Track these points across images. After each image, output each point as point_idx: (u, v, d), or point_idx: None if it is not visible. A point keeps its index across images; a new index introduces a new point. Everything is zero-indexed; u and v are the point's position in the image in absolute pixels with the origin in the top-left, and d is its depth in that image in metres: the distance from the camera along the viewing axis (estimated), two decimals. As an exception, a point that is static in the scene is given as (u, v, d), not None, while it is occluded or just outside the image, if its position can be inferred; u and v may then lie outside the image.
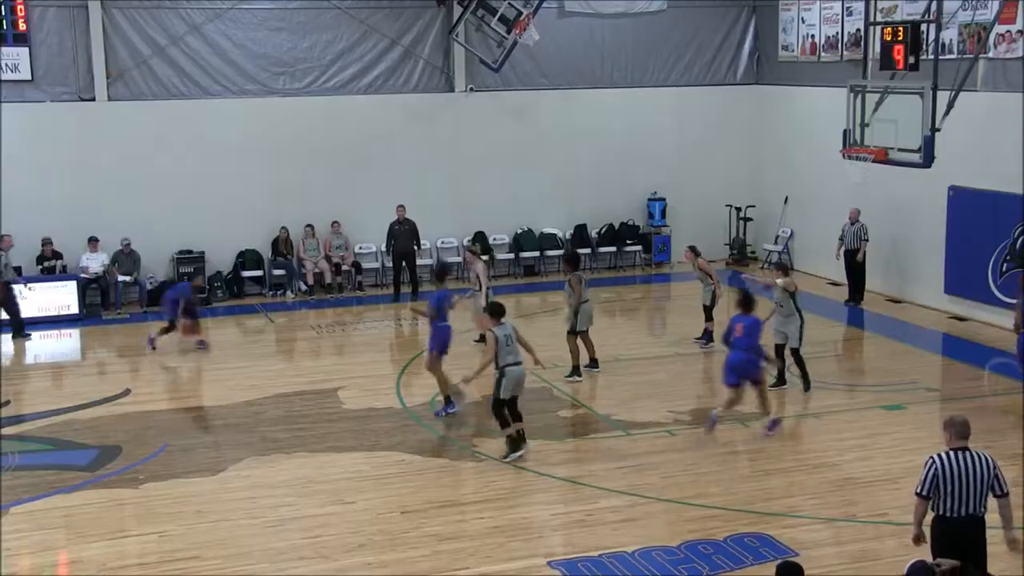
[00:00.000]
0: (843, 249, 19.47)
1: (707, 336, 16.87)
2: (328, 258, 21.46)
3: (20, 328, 18.42)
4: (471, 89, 22.34)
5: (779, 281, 14.57)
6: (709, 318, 16.82)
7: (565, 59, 22.74)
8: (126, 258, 20.36)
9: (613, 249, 23.33)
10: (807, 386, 14.66)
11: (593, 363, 15.67)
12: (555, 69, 22.71)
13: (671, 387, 15.21)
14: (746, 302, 13.19)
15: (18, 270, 19.21)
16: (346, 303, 20.64)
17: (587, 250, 23.15)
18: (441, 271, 15.20)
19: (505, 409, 12.40)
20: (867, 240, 19.20)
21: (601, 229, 23.36)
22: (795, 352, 14.63)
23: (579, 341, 15.48)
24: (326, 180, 21.53)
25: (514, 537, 10.56)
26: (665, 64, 23.49)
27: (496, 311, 12.51)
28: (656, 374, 15.80)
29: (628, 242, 23.38)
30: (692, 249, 17.03)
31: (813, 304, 18.39)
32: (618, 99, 23.05)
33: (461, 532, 10.69)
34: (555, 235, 23.06)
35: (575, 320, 15.41)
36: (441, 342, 13.99)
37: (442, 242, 22.37)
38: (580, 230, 23.24)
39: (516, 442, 12.51)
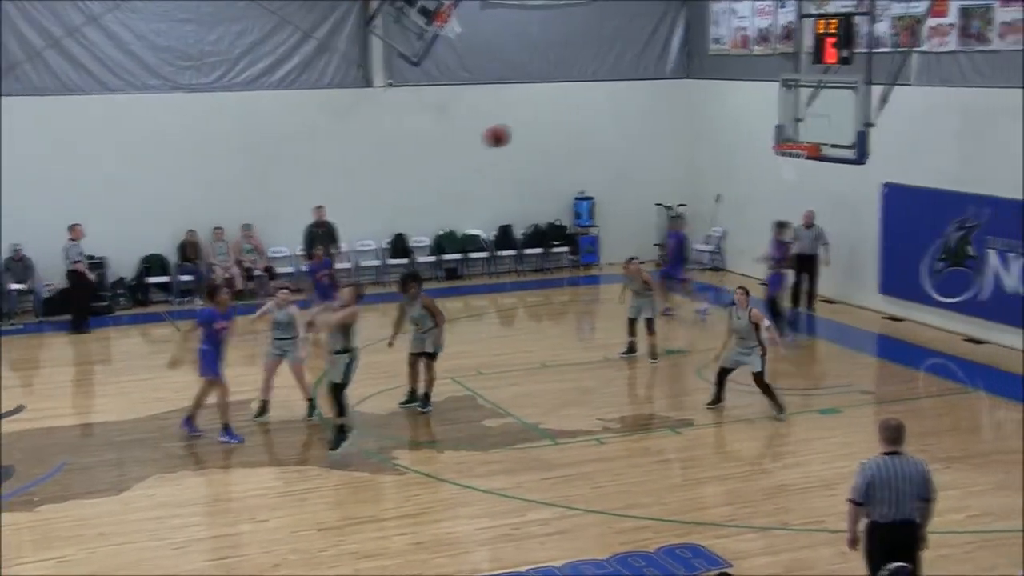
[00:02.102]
0: (796, 253, 19.03)
1: (632, 350, 16.71)
2: (239, 263, 21.23)
3: (80, 322, 18.77)
4: (390, 84, 22.27)
5: (754, 311, 14.05)
6: (650, 331, 16.60)
7: (489, 53, 22.77)
8: (17, 265, 19.94)
9: (539, 251, 23.40)
10: (780, 409, 14.06)
11: (425, 399, 14.63)
12: (478, 63, 22.73)
13: (600, 394, 15.27)
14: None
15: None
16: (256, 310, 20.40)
17: (512, 251, 23.21)
18: (211, 288, 14.53)
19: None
20: (827, 243, 18.90)
21: (527, 230, 23.41)
22: (760, 377, 14.08)
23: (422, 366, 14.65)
24: (237, 180, 21.30)
25: (438, 553, 10.53)
26: (593, 58, 23.63)
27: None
28: (585, 381, 15.86)
29: (555, 243, 23.47)
30: (633, 260, 16.94)
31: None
32: (544, 94, 23.13)
33: (382, 549, 10.63)
34: (478, 236, 23.07)
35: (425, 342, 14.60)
36: (203, 365, 13.56)
37: (361, 244, 22.25)
38: (505, 231, 23.27)
39: (343, 431, 12.75)
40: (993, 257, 17.09)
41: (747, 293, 14.18)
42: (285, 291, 14.50)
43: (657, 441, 13.47)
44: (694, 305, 19.53)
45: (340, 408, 12.93)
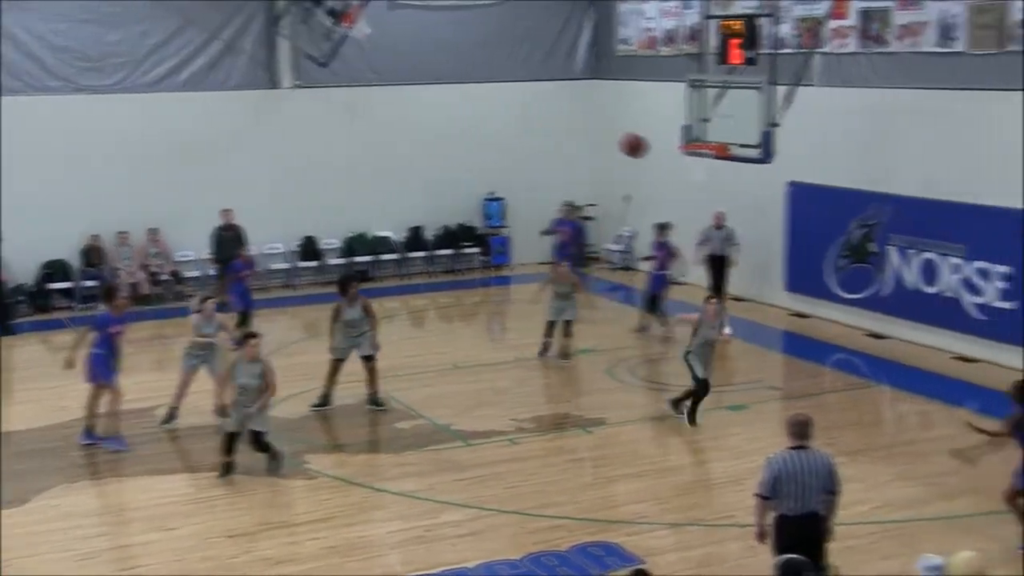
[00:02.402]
0: (708, 254, 19.35)
1: (547, 350, 16.74)
2: (145, 267, 20.92)
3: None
4: (297, 86, 22.12)
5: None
6: (567, 333, 16.65)
7: (398, 54, 22.71)
8: (-84, 271, 19.43)
9: (450, 252, 23.42)
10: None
11: (375, 400, 14.68)
12: (388, 64, 22.66)
13: (513, 394, 15.34)
14: None
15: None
16: (166, 315, 20.13)
17: (423, 253, 23.20)
18: (108, 291, 14.11)
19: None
20: (738, 244, 19.11)
21: (437, 231, 23.43)
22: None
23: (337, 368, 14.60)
24: (142, 184, 20.95)
25: (350, 557, 10.50)
26: (502, 59, 23.70)
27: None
28: (497, 381, 15.92)
29: (465, 244, 23.51)
30: (562, 263, 16.93)
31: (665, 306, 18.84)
32: (453, 95, 23.14)
33: (294, 555, 10.57)
34: (389, 238, 23.02)
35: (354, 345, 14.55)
36: (94, 370, 13.29)
37: (270, 248, 22.05)
38: (415, 232, 23.25)
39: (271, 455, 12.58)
40: (894, 254, 17.52)
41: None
42: (210, 301, 14.35)
43: (570, 440, 13.57)
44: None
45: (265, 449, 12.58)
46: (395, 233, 23.13)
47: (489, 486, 12.10)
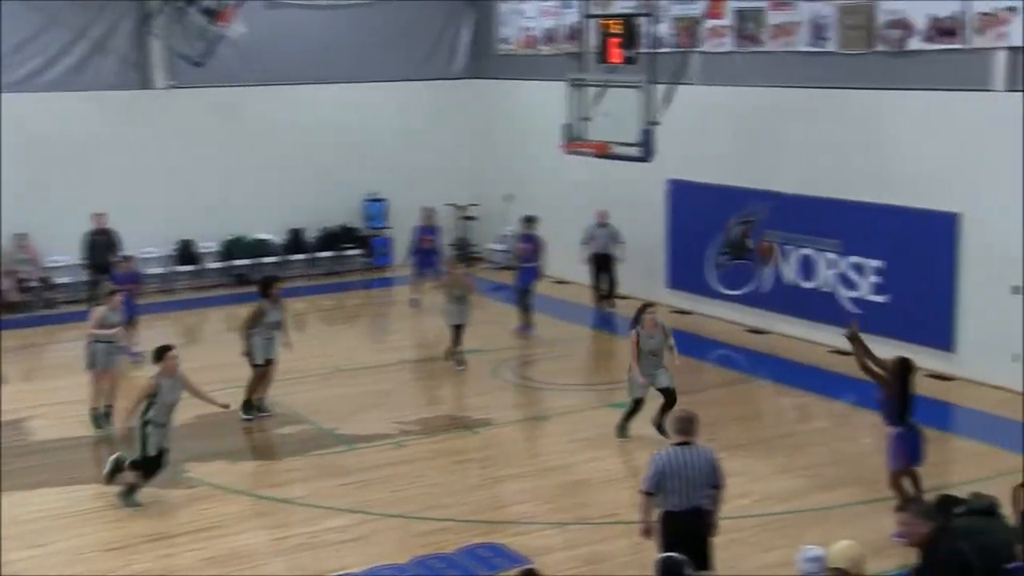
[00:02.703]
0: (591, 253, 19.55)
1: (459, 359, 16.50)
2: (12, 273, 20.25)
3: None
4: (172, 86, 21.66)
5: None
6: (458, 341, 16.45)
7: (276, 53, 22.37)
8: None
9: (331, 254, 23.21)
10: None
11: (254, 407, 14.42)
12: (265, 63, 22.31)
13: (397, 397, 15.26)
14: None
15: None
16: (35, 323, 19.54)
17: (304, 255, 22.94)
18: None
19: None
20: (622, 243, 19.35)
21: (318, 233, 23.19)
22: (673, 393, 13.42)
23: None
24: (9, 188, 20.24)
25: (232, 567, 10.31)
26: (381, 58, 23.55)
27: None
28: (381, 384, 15.81)
29: (347, 246, 23.32)
30: (456, 266, 16.83)
31: (550, 304, 18.93)
32: (332, 95, 22.92)
33: (173, 567, 10.34)
34: (268, 241, 22.71)
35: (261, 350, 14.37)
36: None
37: (145, 252, 21.53)
38: (296, 235, 22.98)
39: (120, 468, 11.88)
40: (772, 250, 17.86)
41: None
42: (118, 294, 14.19)
43: (455, 442, 13.54)
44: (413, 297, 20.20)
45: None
46: (275, 235, 22.82)
47: (374, 490, 12.00)
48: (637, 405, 13.38)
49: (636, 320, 13.38)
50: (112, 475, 11.81)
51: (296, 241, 22.97)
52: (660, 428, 13.13)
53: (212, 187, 21.98)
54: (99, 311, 14.07)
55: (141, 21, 21.23)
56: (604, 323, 19.38)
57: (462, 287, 16.53)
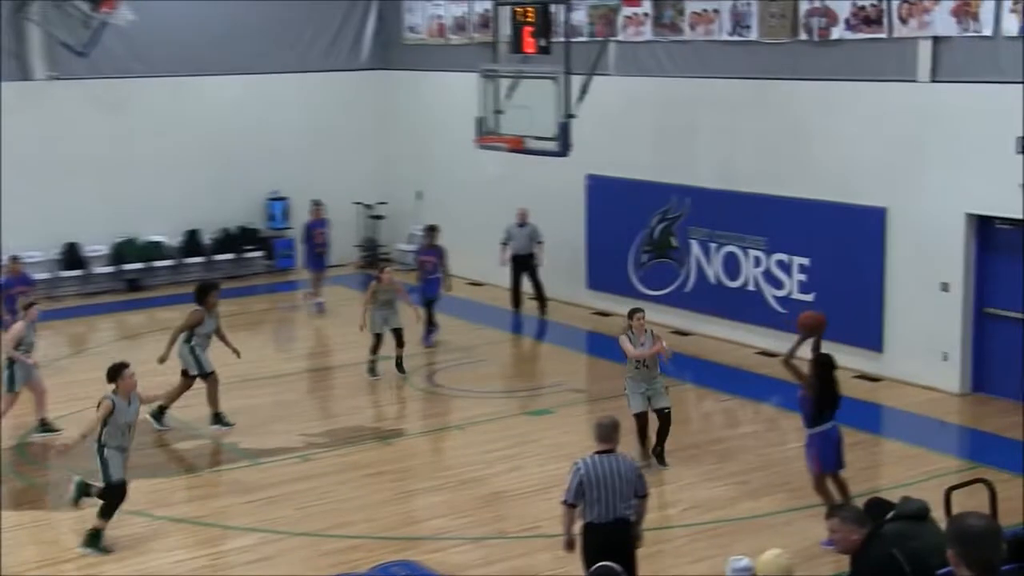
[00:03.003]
0: (511, 253, 19.58)
1: (374, 367, 16.38)
2: None
3: None
4: (53, 77, 21.26)
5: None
6: (401, 343, 16.36)
7: (169, 42, 22.08)
8: None
9: (231, 256, 23.01)
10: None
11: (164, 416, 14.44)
12: (157, 54, 22.01)
13: (304, 407, 15.18)
14: None
15: None
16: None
17: (201, 258, 22.70)
18: None
19: None
20: (541, 242, 19.43)
21: (216, 234, 22.95)
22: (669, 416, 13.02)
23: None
24: None
25: (128, 594, 10.17)
26: (281, 48, 23.38)
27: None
28: (286, 394, 15.70)
29: (248, 248, 23.12)
30: (386, 268, 16.73)
31: (465, 308, 18.95)
32: (229, 88, 22.73)
33: (63, 595, 10.18)
34: (162, 243, 22.43)
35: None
36: None
37: (27, 256, 21.05)
38: (192, 236, 22.73)
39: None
40: (696, 247, 18.10)
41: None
42: (34, 307, 14.06)
43: (366, 454, 13.50)
44: (315, 298, 20.26)
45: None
46: (169, 237, 22.54)
47: (280, 507, 11.92)
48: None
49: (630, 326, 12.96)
50: (77, 500, 11.27)
51: (192, 243, 22.72)
52: (660, 458, 12.73)
53: (100, 186, 21.64)
54: (17, 328, 13.86)
55: (17, 7, 20.80)
56: (522, 327, 19.45)
57: (392, 290, 16.37)
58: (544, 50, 16.15)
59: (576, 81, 15.97)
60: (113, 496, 11.06)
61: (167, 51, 22.14)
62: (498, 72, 17.00)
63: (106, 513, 11.03)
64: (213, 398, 14.41)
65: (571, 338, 18.55)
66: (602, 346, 18.12)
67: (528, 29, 16.28)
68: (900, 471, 12.42)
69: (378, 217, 24.00)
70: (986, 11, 14.23)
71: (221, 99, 22.63)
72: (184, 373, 14.41)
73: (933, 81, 15.01)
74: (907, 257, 15.41)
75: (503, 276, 20.48)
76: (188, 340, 14.32)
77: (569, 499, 8.79)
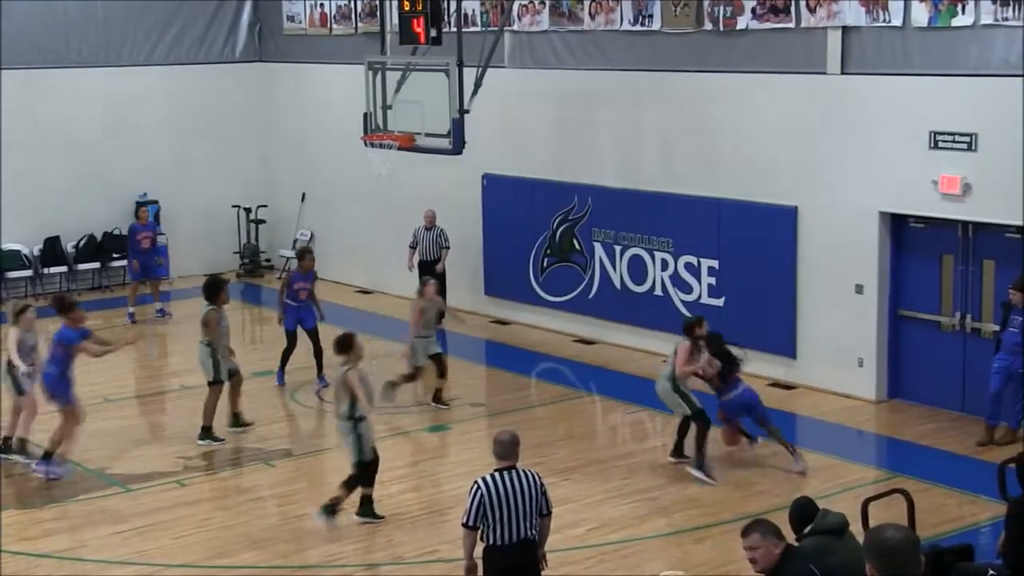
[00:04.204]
0: (418, 259, 19.40)
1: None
2: None
3: None
4: None
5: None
6: (444, 372, 15.75)
7: (17, 33, 21.63)
8: None
9: (96, 265, 22.66)
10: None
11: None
12: (6, 45, 21.52)
13: (178, 428, 14.99)
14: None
15: None
16: None
17: (63, 268, 22.33)
18: None
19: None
20: (448, 247, 19.36)
21: (79, 241, 22.58)
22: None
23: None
24: None
25: (-13, 637, 9.96)
26: (147, 39, 23.09)
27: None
28: (158, 415, 15.52)
29: (115, 256, 22.76)
30: (430, 281, 16.19)
31: (359, 318, 18.85)
32: (88, 82, 22.36)
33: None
34: (19, 252, 22.01)
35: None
36: None
37: None
38: (52, 244, 22.32)
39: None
40: (599, 250, 18.25)
41: None
42: (31, 309, 13.99)
43: (249, 477, 13.41)
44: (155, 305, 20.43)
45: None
46: (26, 246, 22.12)
47: (154, 537, 11.79)
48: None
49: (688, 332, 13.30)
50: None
51: (53, 251, 22.33)
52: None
53: (-53, 191, 21.16)
54: (14, 333, 13.69)
55: None
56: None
57: (436, 305, 15.83)
58: (435, 41, 16.15)
59: (470, 74, 16.00)
60: (369, 470, 12.00)
61: (18, 42, 21.66)
62: (386, 64, 17.00)
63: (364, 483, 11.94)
64: (213, 406, 14.48)
65: (469, 349, 18.56)
66: (501, 356, 18.21)
67: (418, 19, 16.27)
68: (816, 483, 12.65)
69: (259, 221, 23.80)
70: (896, 1, 14.58)
71: (82, 94, 22.24)
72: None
73: (843, 73, 15.33)
74: (819, 258, 15.71)
75: (394, 283, 20.46)
76: (208, 343, 14.32)
77: (469, 521, 8.80)
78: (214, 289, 14.63)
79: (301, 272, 16.60)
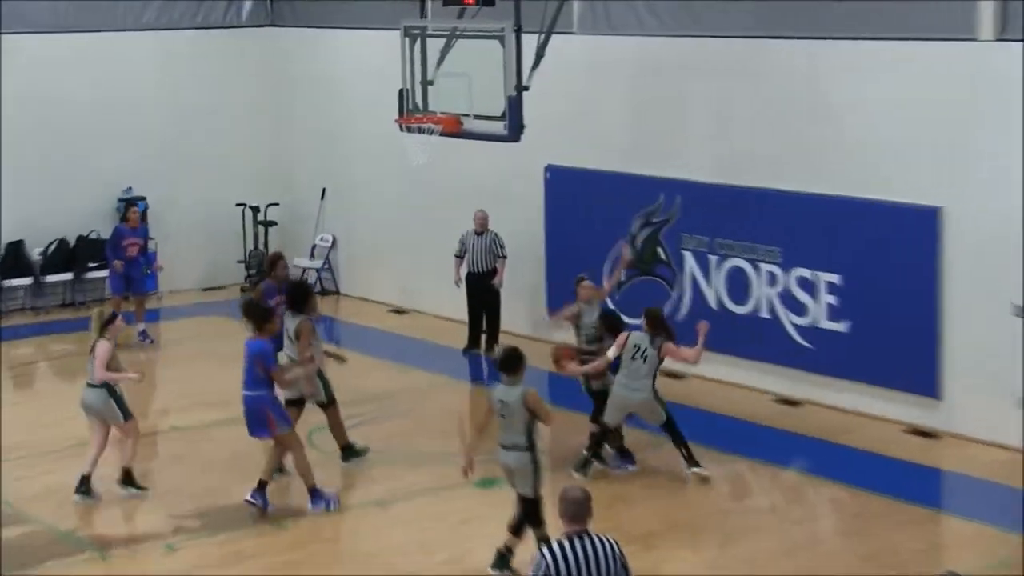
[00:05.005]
0: (466, 271, 19.53)
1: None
2: None
3: None
4: None
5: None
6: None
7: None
8: None
9: (68, 277, 22.84)
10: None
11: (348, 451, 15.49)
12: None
13: (167, 479, 15.04)
14: None
15: None
16: None
17: (27, 280, 22.52)
18: None
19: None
20: (504, 256, 19.40)
21: (48, 247, 22.76)
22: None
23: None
24: None
25: None
26: (137, -1, 23.30)
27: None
28: (143, 461, 15.52)
29: (92, 265, 22.89)
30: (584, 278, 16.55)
31: (390, 343, 18.82)
32: (65, 49, 22.56)
33: None
34: (-24, 260, 22.26)
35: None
36: None
37: None
38: (14, 250, 22.56)
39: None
40: (690, 261, 18.10)
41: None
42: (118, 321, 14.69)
43: (255, 541, 13.38)
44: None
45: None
46: (-16, 252, 22.37)
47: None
48: None
49: None
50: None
51: (15, 259, 22.58)
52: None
53: None
54: (104, 348, 14.24)
55: None
56: (466, 370, 19.35)
57: (593, 311, 15.88)
58: (487, 1, 16.14)
59: (529, 42, 15.97)
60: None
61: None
62: (426, 30, 16.98)
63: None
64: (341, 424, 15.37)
65: (529, 383, 18.38)
66: (566, 392, 18.05)
67: (467, -27, 16.28)
68: (970, 557, 12.42)
69: (269, 223, 23.86)
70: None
71: (53, 64, 22.43)
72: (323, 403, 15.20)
73: (999, 39, 15.12)
74: (970, 272, 15.50)
75: (433, 301, 20.40)
76: (301, 359, 14.82)
77: (532, 600, 8.68)
78: (303, 296, 15.00)
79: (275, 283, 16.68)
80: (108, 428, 14.37)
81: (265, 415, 13.89)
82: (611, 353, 14.59)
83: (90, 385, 14.24)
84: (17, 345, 21.00)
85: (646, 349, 14.54)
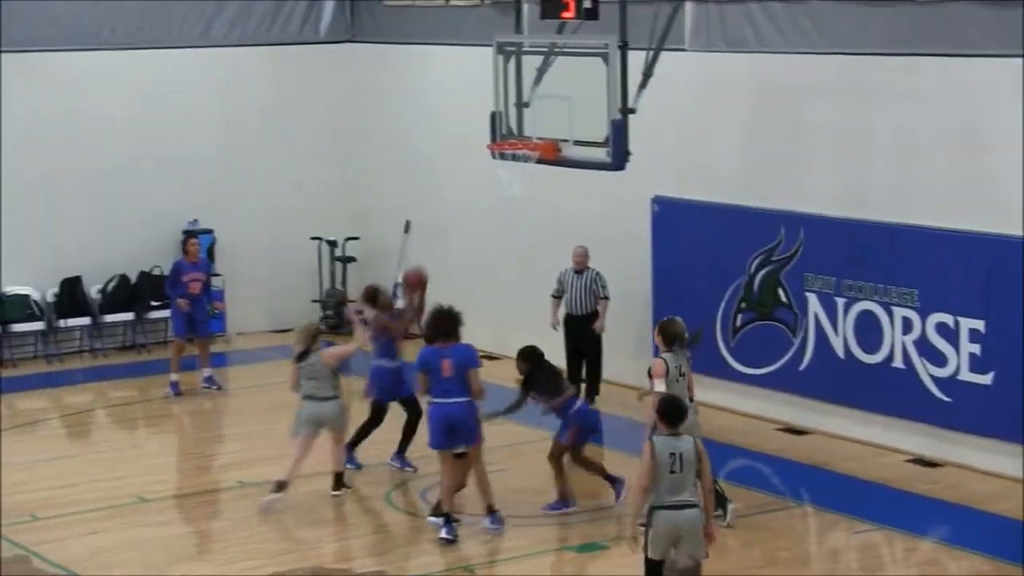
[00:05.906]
0: (564, 312, 19.58)
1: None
2: None
3: None
4: None
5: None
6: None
7: (38, 9, 22.17)
8: None
9: (129, 317, 23.06)
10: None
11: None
12: (20, 23, 22.03)
13: (237, 540, 15.12)
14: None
15: None
16: None
17: (85, 319, 22.77)
18: None
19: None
20: (607, 297, 19.41)
21: (106, 285, 23.01)
22: None
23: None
24: None
25: None
26: (202, 13, 23.49)
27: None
28: (208, 521, 15.68)
29: (153, 304, 23.10)
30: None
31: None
32: (123, 68, 22.83)
33: None
34: (27, 298, 22.52)
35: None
36: None
37: None
38: (70, 288, 22.79)
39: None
40: (815, 304, 18.00)
41: None
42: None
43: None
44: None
45: None
46: (36, 289, 22.64)
47: None
48: None
49: None
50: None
51: (72, 297, 22.81)
52: None
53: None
54: (339, 349, 16.37)
55: None
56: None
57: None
58: (589, 14, 16.19)
59: (636, 60, 15.99)
60: None
61: (29, 18, 22.13)
62: (522, 46, 17.05)
63: None
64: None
65: (628, 438, 18.36)
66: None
67: (567, -16, 16.35)
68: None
69: (348, 259, 23.97)
70: None
71: (110, 85, 22.66)
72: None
73: None
74: None
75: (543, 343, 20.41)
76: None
77: None
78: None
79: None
80: (316, 438, 15.99)
81: (475, 423, 15.00)
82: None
83: (324, 398, 16.01)
84: (74, 391, 21.22)
85: None
